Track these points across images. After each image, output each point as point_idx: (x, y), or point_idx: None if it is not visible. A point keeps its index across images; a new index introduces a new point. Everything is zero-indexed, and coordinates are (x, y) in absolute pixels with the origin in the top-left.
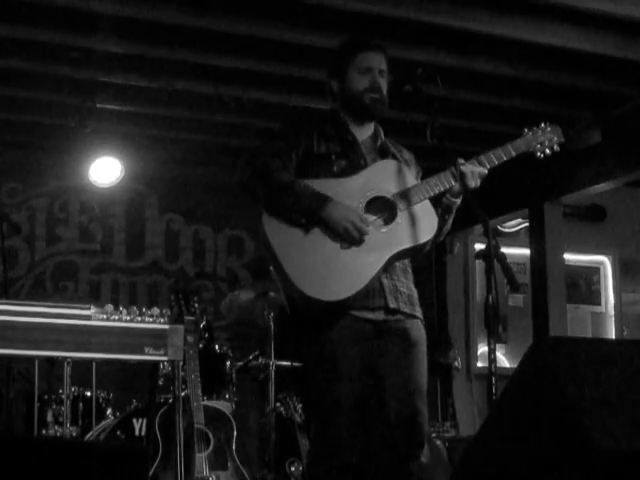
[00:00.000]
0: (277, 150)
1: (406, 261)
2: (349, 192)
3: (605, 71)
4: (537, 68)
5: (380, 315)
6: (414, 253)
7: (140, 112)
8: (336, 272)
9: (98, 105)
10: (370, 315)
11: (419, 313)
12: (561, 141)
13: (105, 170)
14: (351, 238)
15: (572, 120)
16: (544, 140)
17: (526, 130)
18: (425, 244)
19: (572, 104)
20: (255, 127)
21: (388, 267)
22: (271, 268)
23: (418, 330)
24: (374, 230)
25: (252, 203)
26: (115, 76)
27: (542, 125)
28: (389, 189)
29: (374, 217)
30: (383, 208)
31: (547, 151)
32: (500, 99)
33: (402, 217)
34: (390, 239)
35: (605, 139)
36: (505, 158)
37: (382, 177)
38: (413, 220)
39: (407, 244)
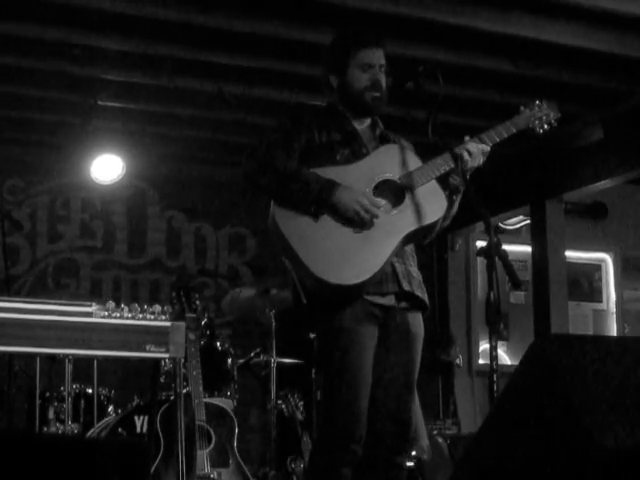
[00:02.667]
0: (279, 142)
1: (412, 246)
2: (355, 178)
3: (607, 68)
4: (539, 65)
5: (391, 300)
6: (425, 233)
7: (142, 109)
8: (350, 256)
9: (100, 102)
10: (381, 300)
11: (427, 298)
12: (558, 116)
13: (107, 167)
14: (362, 221)
15: (574, 117)
16: (541, 116)
17: (522, 107)
18: (436, 223)
19: (574, 101)
20: (257, 124)
21: (401, 249)
22: (284, 258)
23: (418, 326)
24: (384, 213)
25: (254, 200)
26: (117, 73)
27: (537, 102)
28: (395, 172)
29: (383, 201)
30: (391, 191)
31: (545, 126)
32: (501, 96)
33: (410, 199)
34: (400, 221)
35: (607, 136)
36: (505, 135)
37: (387, 161)
38: (421, 201)
39: (417, 224)
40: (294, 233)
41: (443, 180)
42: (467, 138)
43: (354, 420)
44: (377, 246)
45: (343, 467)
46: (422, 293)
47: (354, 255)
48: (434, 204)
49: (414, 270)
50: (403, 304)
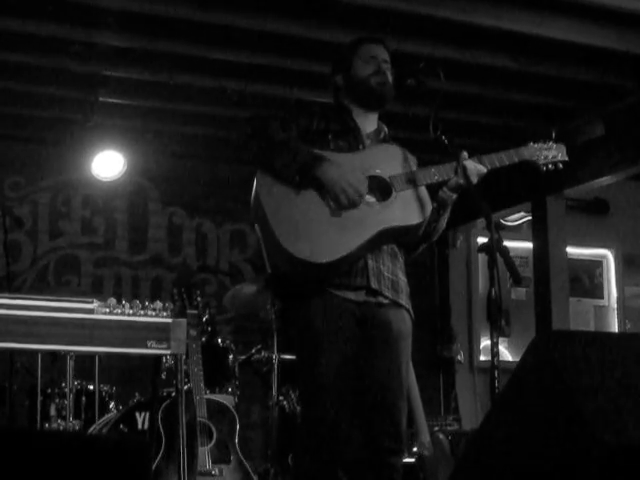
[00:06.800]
0: (277, 116)
1: (396, 248)
2: (348, 166)
3: (608, 64)
4: (540, 61)
5: (361, 296)
6: (403, 235)
7: (143, 106)
8: (321, 236)
9: (101, 99)
10: (351, 295)
11: (404, 302)
12: (565, 160)
13: (108, 164)
14: (348, 198)
15: (575, 113)
16: (548, 155)
17: (532, 143)
18: (415, 227)
19: (575, 97)
20: None
21: (375, 245)
22: (256, 226)
23: (402, 322)
24: (367, 205)
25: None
26: (117, 70)
27: (548, 142)
28: (388, 171)
29: (372, 199)
30: (378, 188)
31: (550, 166)
32: (503, 92)
33: (396, 197)
34: (380, 216)
35: (608, 132)
36: (507, 162)
37: (382, 158)
38: (407, 202)
39: (397, 223)
40: (272, 202)
41: (433, 192)
42: (465, 154)
43: (322, 420)
44: (350, 233)
45: (324, 467)
46: (394, 295)
47: (325, 236)
48: (418, 208)
49: (387, 270)
50: (380, 299)
